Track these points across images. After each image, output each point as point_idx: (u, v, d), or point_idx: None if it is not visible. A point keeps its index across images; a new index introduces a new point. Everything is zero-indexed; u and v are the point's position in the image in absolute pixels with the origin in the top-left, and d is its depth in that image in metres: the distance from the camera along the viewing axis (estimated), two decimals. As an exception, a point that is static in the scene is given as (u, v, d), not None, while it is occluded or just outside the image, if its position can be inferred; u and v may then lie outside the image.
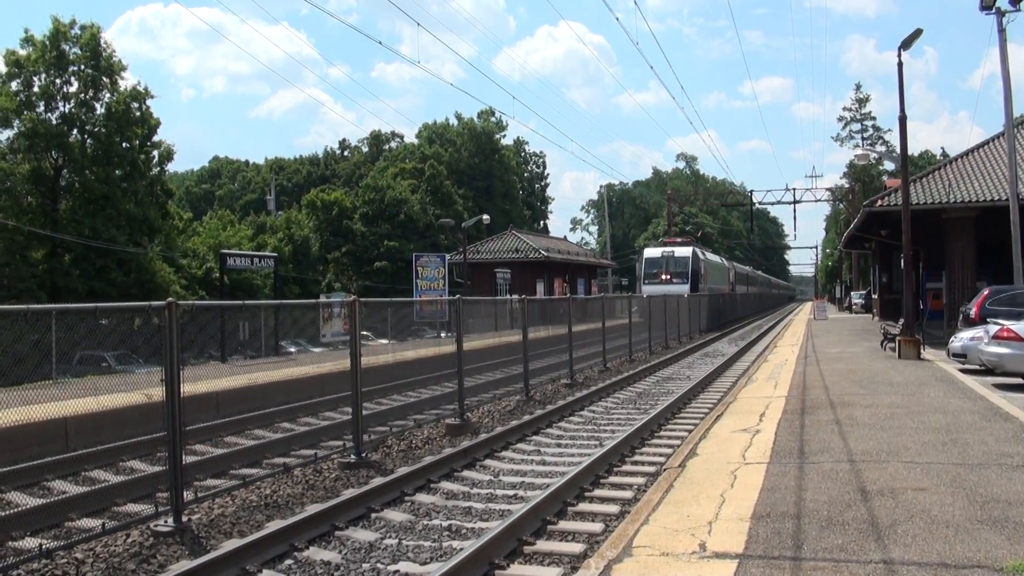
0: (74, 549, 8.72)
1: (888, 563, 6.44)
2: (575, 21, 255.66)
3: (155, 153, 54.15)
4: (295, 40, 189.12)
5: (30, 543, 8.85)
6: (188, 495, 9.98)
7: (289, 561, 8.50)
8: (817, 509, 7.98)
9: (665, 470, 11.02)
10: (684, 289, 49.08)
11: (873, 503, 8.15)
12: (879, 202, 32.99)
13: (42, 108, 48.42)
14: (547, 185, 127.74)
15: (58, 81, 48.82)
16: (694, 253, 54.71)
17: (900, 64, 25.61)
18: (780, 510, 8.00)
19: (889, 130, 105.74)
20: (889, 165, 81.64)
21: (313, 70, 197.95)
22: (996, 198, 29.79)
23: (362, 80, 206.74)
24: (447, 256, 52.92)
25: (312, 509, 9.79)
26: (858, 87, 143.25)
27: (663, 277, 52.54)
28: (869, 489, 8.69)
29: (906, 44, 25.33)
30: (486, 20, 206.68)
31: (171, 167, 64.12)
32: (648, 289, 49.40)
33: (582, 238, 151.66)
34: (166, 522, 9.27)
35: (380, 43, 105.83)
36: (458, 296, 17.12)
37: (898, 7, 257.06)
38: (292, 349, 35.54)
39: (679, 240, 61.68)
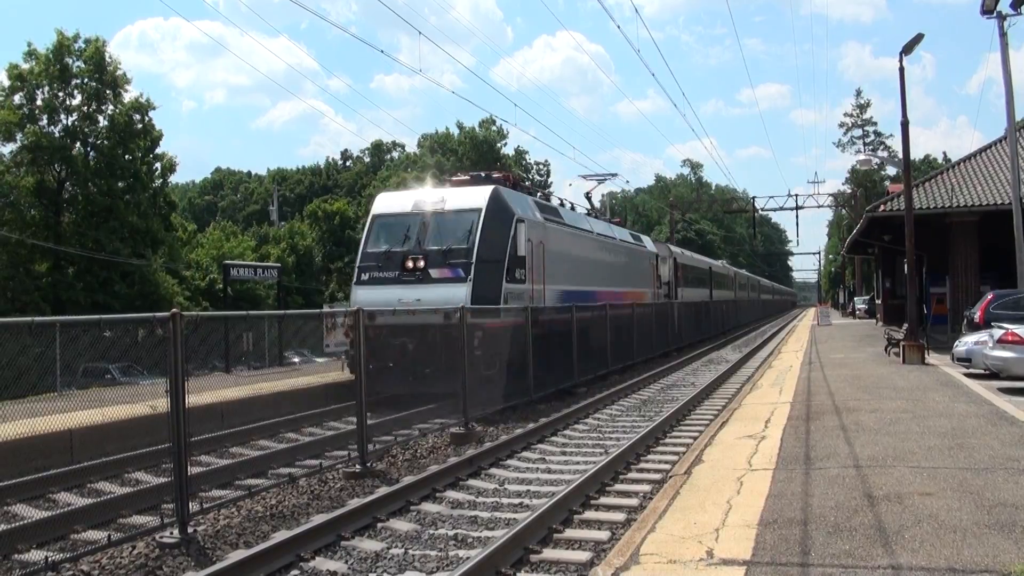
0: (80, 562, 8.70)
1: (896, 568, 6.43)
2: (572, 31, 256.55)
3: (157, 165, 54.32)
4: (295, 52, 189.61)
5: (36, 556, 8.82)
6: (194, 506, 9.95)
7: (295, 572, 8.48)
8: (824, 515, 7.96)
9: (671, 477, 10.99)
10: (458, 294, 19.98)
11: (880, 508, 8.13)
12: (882, 207, 33.00)
13: (45, 121, 48.61)
14: (550, 194, 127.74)
15: (61, 94, 48.99)
16: (495, 200, 22.14)
17: (902, 69, 25.67)
18: (787, 516, 7.98)
19: (891, 135, 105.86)
20: (891, 170, 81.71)
21: (314, 81, 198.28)
22: (999, 202, 29.84)
23: (362, 91, 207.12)
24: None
25: (318, 519, 9.77)
26: (858, 93, 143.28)
27: (410, 264, 21.37)
28: (876, 494, 8.67)
29: (907, 49, 25.38)
30: (484, 30, 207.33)
31: (173, 179, 64.47)
32: (365, 294, 21.16)
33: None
34: (172, 533, 9.26)
35: (382, 52, 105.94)
36: (462, 306, 17.08)
37: (893, 14, 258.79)
38: (296, 359, 35.59)
39: (467, 177, 26.02)
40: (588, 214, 33.24)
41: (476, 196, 22.00)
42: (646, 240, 40.34)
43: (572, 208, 30.77)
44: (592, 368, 25.62)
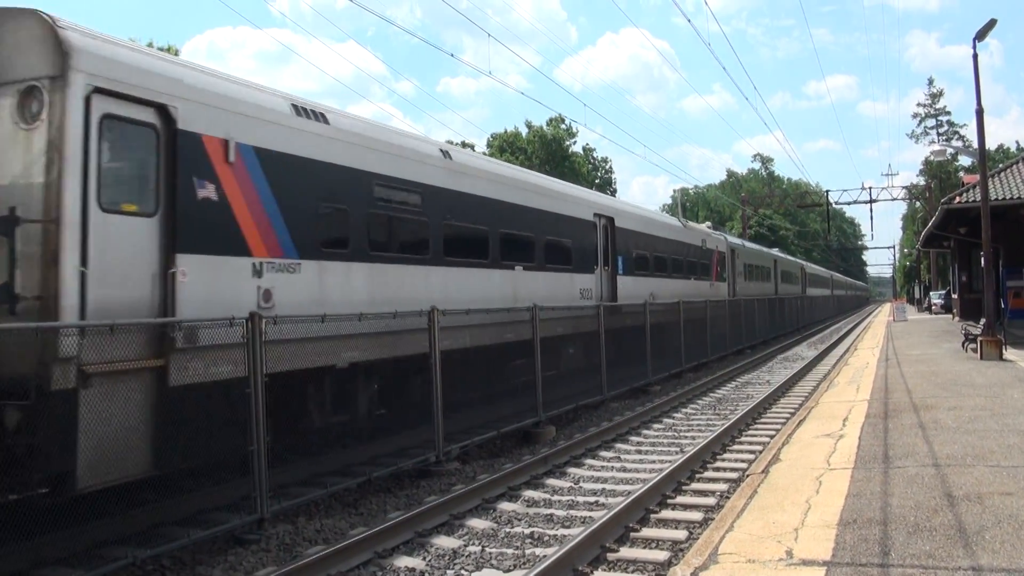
0: (160, 557, 8.85)
1: (977, 570, 6.37)
2: (636, 28, 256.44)
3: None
4: (362, 57, 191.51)
5: (118, 551, 8.97)
6: (272, 503, 10.12)
7: (374, 568, 8.60)
8: (903, 515, 7.89)
9: (748, 476, 10.96)
10: None
11: (960, 508, 8.04)
12: (957, 199, 32.29)
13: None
14: (615, 191, 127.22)
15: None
16: None
17: (975, 56, 25.07)
18: (866, 516, 7.92)
19: (964, 124, 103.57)
20: (965, 160, 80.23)
21: (382, 84, 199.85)
22: (1078, 192, 29.18)
23: (429, 94, 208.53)
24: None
25: (395, 516, 9.89)
26: (931, 82, 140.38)
27: None
28: (955, 494, 8.57)
29: (980, 35, 24.84)
30: (549, 31, 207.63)
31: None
32: None
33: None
34: (252, 529, 9.43)
35: (452, 55, 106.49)
36: (533, 304, 17.10)
37: (960, 1, 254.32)
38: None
39: None
40: None
41: None
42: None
43: None
44: (666, 366, 24.38)
